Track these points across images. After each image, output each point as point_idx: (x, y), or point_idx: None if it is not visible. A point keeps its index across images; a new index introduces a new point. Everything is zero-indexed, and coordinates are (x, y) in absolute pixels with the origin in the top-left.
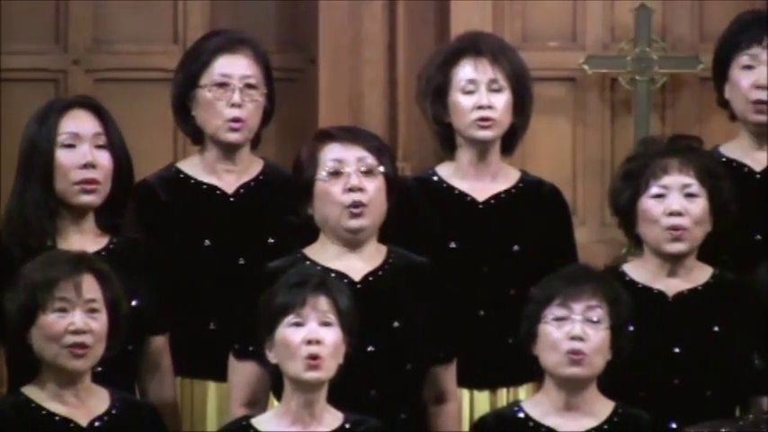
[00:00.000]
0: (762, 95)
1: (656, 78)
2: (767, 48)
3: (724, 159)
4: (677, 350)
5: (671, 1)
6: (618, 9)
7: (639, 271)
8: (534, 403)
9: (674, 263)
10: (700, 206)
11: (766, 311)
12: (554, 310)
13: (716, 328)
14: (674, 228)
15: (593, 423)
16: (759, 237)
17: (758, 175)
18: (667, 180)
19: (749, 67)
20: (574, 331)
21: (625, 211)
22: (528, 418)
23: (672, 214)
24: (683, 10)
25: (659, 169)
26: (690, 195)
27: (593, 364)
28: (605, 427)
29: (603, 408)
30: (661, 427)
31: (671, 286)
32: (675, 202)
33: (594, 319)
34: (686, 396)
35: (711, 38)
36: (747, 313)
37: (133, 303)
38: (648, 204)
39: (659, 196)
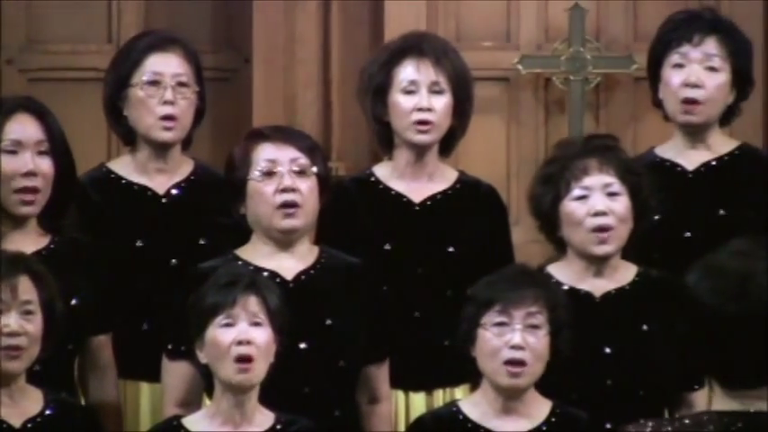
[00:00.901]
0: (691, 93)
1: (589, 78)
2: (697, 46)
3: (658, 160)
4: (608, 350)
5: (605, 1)
6: (552, 9)
7: (565, 272)
8: (472, 404)
9: (599, 263)
10: (623, 204)
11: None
12: (494, 316)
13: (644, 327)
14: (600, 228)
15: (531, 424)
16: (689, 234)
17: (690, 174)
18: (588, 181)
19: (679, 66)
20: (514, 340)
21: (547, 215)
22: (466, 419)
23: (597, 214)
24: (616, 10)
25: (579, 171)
26: (612, 194)
27: (531, 374)
28: (544, 428)
29: (542, 408)
30: (598, 428)
31: (597, 287)
32: (599, 202)
33: (535, 323)
34: (619, 396)
35: (645, 38)
36: (674, 310)
37: (73, 302)
38: (571, 207)
39: (582, 198)
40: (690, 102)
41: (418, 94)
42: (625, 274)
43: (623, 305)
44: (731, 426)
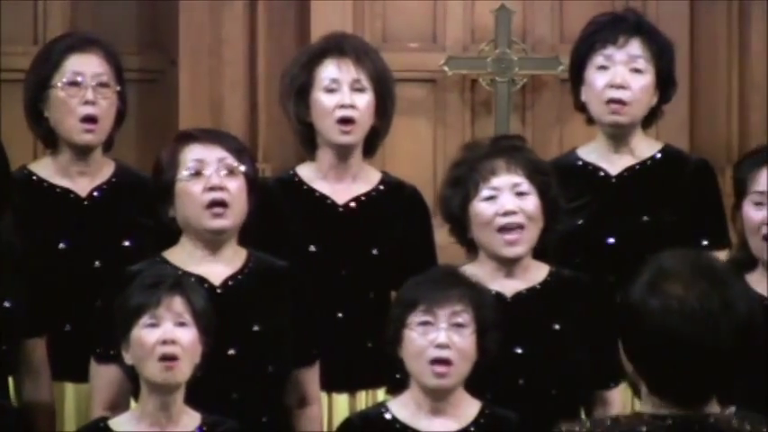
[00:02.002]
0: (616, 94)
1: (516, 79)
2: (622, 48)
3: (580, 162)
4: (519, 350)
5: (531, 2)
6: (478, 10)
7: (477, 273)
8: (401, 404)
9: (510, 264)
10: (532, 203)
11: (606, 312)
12: (419, 316)
13: (556, 326)
14: (510, 227)
15: (460, 425)
16: (612, 240)
17: (613, 179)
18: (497, 181)
19: (604, 68)
20: (439, 339)
21: (457, 217)
22: (395, 419)
23: (506, 214)
24: (543, 11)
25: (487, 171)
26: (521, 194)
27: (457, 374)
28: (472, 428)
29: (470, 408)
30: (527, 428)
31: (509, 287)
32: (508, 201)
33: (460, 322)
34: (531, 396)
35: (571, 39)
36: (586, 309)
37: (6, 305)
38: (480, 208)
39: (490, 198)
40: (616, 102)
41: (340, 92)
42: (537, 273)
43: (534, 305)
44: (665, 423)
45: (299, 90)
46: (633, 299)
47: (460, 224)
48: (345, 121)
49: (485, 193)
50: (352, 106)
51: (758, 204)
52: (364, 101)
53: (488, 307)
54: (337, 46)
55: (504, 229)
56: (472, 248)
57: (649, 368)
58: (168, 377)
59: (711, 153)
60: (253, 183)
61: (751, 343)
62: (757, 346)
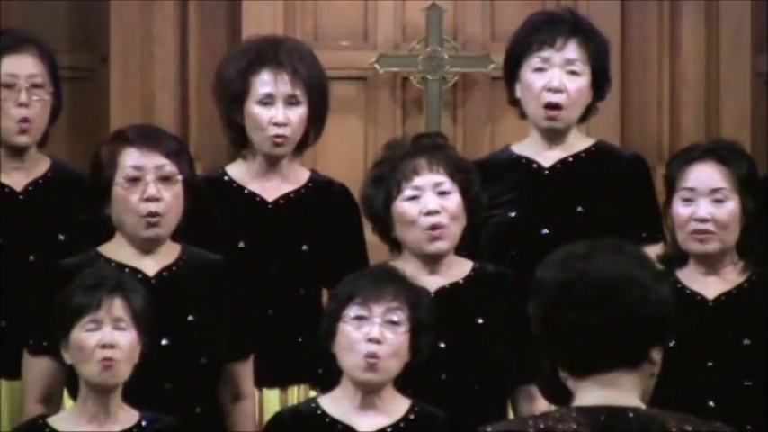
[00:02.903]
0: (553, 98)
1: (447, 78)
2: (559, 51)
3: (514, 156)
4: (442, 345)
5: (462, 1)
6: (409, 8)
7: (401, 269)
8: (332, 400)
9: (434, 261)
10: (454, 202)
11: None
12: (354, 310)
13: (480, 321)
14: (433, 227)
15: (390, 421)
16: (546, 231)
17: (546, 171)
18: (419, 181)
19: (541, 70)
20: (372, 333)
21: (380, 216)
22: (325, 414)
23: (429, 213)
24: (474, 9)
25: (409, 171)
26: (443, 193)
27: (388, 369)
28: (402, 425)
29: (400, 406)
30: (455, 425)
31: (433, 283)
32: (431, 201)
33: (395, 319)
34: (454, 390)
35: (502, 37)
36: (510, 304)
37: None
38: (404, 207)
39: (413, 198)
40: (552, 107)
41: (274, 107)
42: (460, 269)
43: (457, 300)
44: (593, 420)
45: (234, 96)
46: (537, 275)
47: (383, 223)
48: (277, 136)
49: (407, 192)
50: (284, 124)
51: (687, 201)
52: (297, 115)
53: (424, 308)
54: (274, 55)
55: (427, 228)
56: (395, 247)
57: (548, 336)
58: (107, 377)
59: (642, 151)
60: (190, 186)
61: (627, 306)
62: (668, 328)
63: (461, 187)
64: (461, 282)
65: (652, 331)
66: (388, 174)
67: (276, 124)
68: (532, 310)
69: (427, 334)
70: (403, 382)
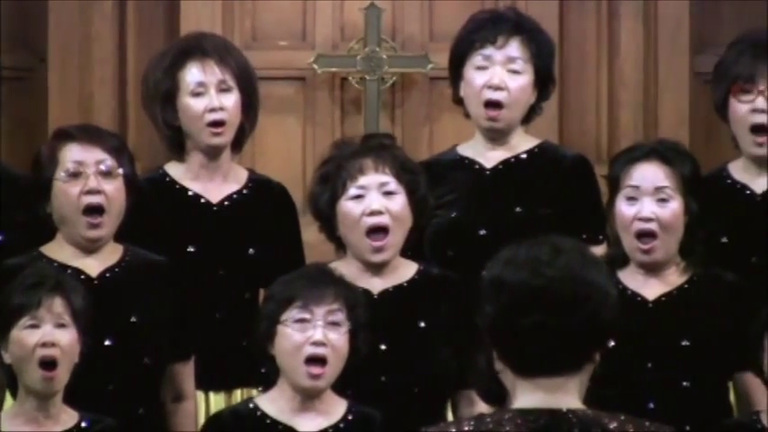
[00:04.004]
0: (494, 95)
1: (385, 78)
2: (501, 49)
3: (458, 157)
4: (383, 347)
5: (400, 1)
6: (347, 8)
7: (344, 270)
8: (270, 401)
9: (378, 263)
10: (398, 203)
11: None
12: (295, 313)
13: (422, 324)
14: (376, 228)
15: (329, 422)
16: (484, 232)
17: (488, 172)
18: (364, 180)
19: (482, 68)
20: (315, 336)
21: (325, 215)
22: (265, 415)
23: (372, 214)
24: (412, 10)
25: (355, 170)
26: (388, 193)
27: (332, 374)
28: (341, 425)
29: (338, 406)
30: (393, 426)
31: (376, 285)
32: (375, 201)
33: (336, 321)
34: (394, 393)
35: (441, 38)
36: (453, 308)
37: None
38: (347, 207)
39: (357, 197)
40: (492, 104)
41: (207, 95)
42: (405, 271)
43: (401, 303)
44: (533, 423)
45: (165, 95)
46: (496, 275)
47: (329, 222)
48: (216, 123)
49: (352, 191)
50: (221, 108)
51: (631, 199)
52: (232, 100)
53: (361, 307)
54: (199, 47)
55: (371, 231)
56: (341, 246)
57: (503, 336)
58: (47, 387)
59: (581, 151)
60: (132, 183)
61: (590, 311)
62: (610, 326)
63: (407, 188)
64: (405, 284)
65: (606, 334)
66: (334, 172)
67: (212, 110)
68: (488, 309)
69: (365, 333)
70: (343, 384)
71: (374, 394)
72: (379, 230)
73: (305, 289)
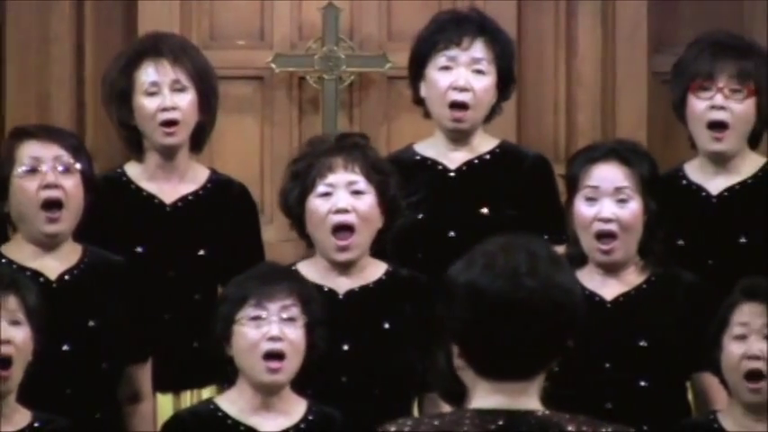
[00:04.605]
0: (459, 96)
1: (343, 77)
2: (466, 50)
3: (419, 158)
4: (346, 347)
5: (358, 0)
6: (305, 8)
7: (312, 269)
8: (230, 401)
9: (345, 262)
10: (366, 203)
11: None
12: (249, 311)
13: (386, 325)
14: (341, 226)
15: (290, 421)
16: (453, 234)
17: (452, 173)
18: (333, 178)
19: (446, 69)
20: (271, 332)
21: (295, 212)
22: (226, 416)
23: (338, 212)
24: (370, 9)
25: (325, 168)
26: (356, 192)
27: (290, 369)
28: (302, 425)
29: (298, 406)
30: (353, 426)
31: (342, 284)
32: (342, 199)
33: (291, 316)
34: (354, 393)
35: (399, 37)
36: (420, 310)
37: None
38: (315, 204)
39: (325, 195)
40: (458, 106)
41: (161, 95)
42: (373, 272)
43: (366, 303)
44: (491, 423)
45: (121, 94)
46: (447, 277)
47: (298, 219)
48: (168, 123)
49: (320, 188)
50: (173, 108)
51: (590, 200)
52: (186, 100)
53: (316, 302)
54: (154, 47)
55: (336, 229)
56: (311, 244)
57: (474, 340)
58: (1, 385)
59: (539, 150)
60: (89, 180)
61: (566, 317)
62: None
63: (377, 189)
64: (371, 285)
65: (572, 336)
66: (305, 169)
67: (165, 109)
68: (460, 312)
69: (321, 329)
70: (304, 383)
71: (335, 395)
72: (344, 229)
73: (258, 287)
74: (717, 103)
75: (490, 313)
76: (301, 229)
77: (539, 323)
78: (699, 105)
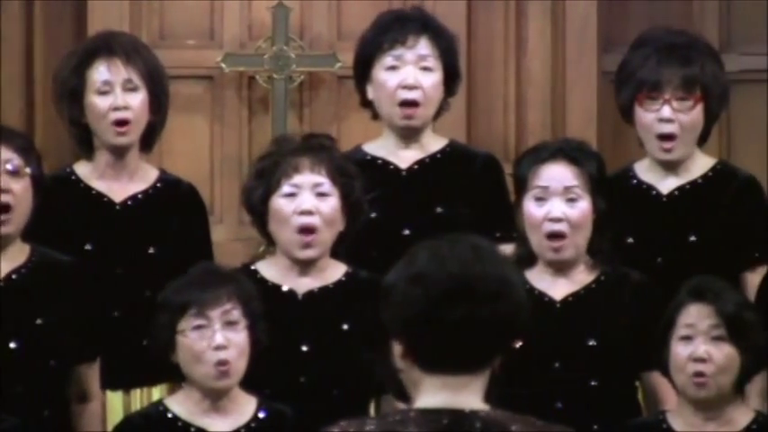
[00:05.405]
0: (408, 95)
1: (293, 77)
2: (411, 48)
3: (369, 158)
4: (305, 348)
5: (308, 0)
6: (255, 7)
7: (271, 269)
8: (179, 403)
9: (305, 263)
10: (330, 205)
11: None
12: (191, 321)
13: (345, 326)
14: (305, 228)
15: (240, 421)
16: (407, 233)
17: (404, 173)
18: (298, 179)
19: (394, 68)
20: (216, 341)
21: (258, 210)
22: (176, 417)
23: (303, 213)
24: (320, 9)
25: (291, 168)
26: (321, 194)
27: (237, 371)
28: (252, 424)
29: (248, 405)
30: (302, 422)
31: (301, 285)
32: (306, 200)
33: (233, 320)
34: (313, 394)
35: (349, 36)
36: (378, 311)
37: None
38: (279, 204)
39: (291, 195)
40: (408, 104)
41: (113, 94)
42: (332, 273)
43: (325, 304)
44: (435, 423)
45: (72, 93)
46: (387, 279)
47: (260, 217)
48: (120, 123)
49: (285, 189)
50: (125, 107)
51: (539, 199)
52: (137, 100)
53: (254, 299)
54: (106, 46)
55: (300, 231)
56: (271, 242)
57: (421, 330)
58: None
59: (489, 149)
60: (38, 183)
61: (512, 308)
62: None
63: (341, 191)
64: (331, 286)
65: (518, 333)
66: (270, 169)
67: (117, 109)
68: (407, 304)
69: (262, 323)
70: (262, 383)
71: (294, 395)
72: (308, 231)
73: (197, 294)
74: (664, 116)
75: (438, 301)
76: (262, 227)
77: (485, 310)
78: (647, 117)
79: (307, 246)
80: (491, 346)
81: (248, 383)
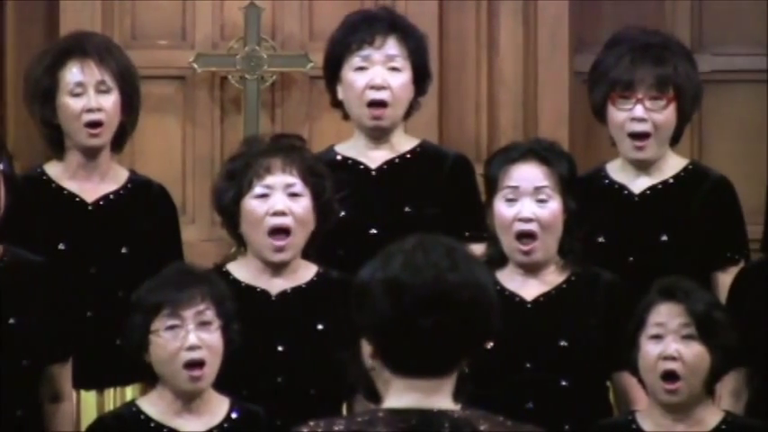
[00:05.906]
0: (377, 95)
1: (265, 77)
2: (379, 48)
3: (339, 158)
4: (280, 348)
5: (280, 0)
6: (227, 7)
7: (243, 270)
8: (151, 403)
9: (277, 264)
10: (302, 206)
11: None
12: (164, 321)
13: (320, 326)
14: (278, 229)
15: (213, 421)
16: (375, 232)
17: (373, 172)
18: (270, 180)
19: (362, 69)
20: (189, 341)
21: (229, 211)
22: (149, 418)
23: (276, 214)
24: (292, 9)
25: (262, 169)
26: (293, 195)
27: (211, 373)
28: (225, 425)
29: (220, 405)
30: (275, 422)
31: (275, 285)
32: (279, 201)
33: (206, 320)
34: (290, 394)
35: (321, 37)
36: (349, 311)
37: None
38: (252, 205)
39: (263, 196)
40: (377, 104)
41: (86, 96)
42: (304, 273)
43: (299, 304)
44: (404, 423)
45: (44, 93)
46: (360, 277)
47: (231, 218)
48: (93, 124)
49: (257, 190)
50: (98, 109)
51: (510, 200)
52: (110, 101)
53: (228, 299)
54: (80, 47)
55: (273, 231)
56: (242, 243)
57: (393, 336)
58: None
59: (460, 150)
60: (10, 181)
61: (484, 313)
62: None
63: (313, 191)
64: (303, 286)
65: (488, 335)
66: (242, 170)
67: (90, 110)
68: (380, 308)
69: (236, 324)
70: (239, 384)
71: (270, 395)
72: (280, 231)
73: (170, 294)
74: (637, 115)
75: (412, 308)
76: (233, 228)
77: (458, 318)
78: (619, 116)
79: (279, 250)
80: (462, 350)
81: (226, 385)
